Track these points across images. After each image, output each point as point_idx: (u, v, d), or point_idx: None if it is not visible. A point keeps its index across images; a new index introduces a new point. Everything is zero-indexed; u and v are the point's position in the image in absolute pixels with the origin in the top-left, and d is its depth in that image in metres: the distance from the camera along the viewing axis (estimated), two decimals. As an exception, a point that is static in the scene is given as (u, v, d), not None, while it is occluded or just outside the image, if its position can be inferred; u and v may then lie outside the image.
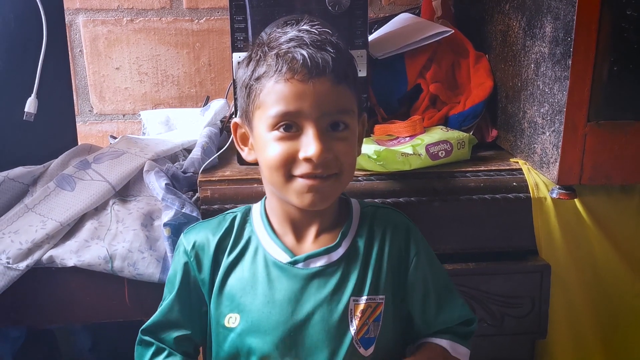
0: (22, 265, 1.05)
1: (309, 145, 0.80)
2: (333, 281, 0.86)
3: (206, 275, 0.90)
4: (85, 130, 1.71)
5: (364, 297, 0.86)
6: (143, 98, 1.72)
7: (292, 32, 0.84)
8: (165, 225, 1.07)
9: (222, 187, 1.13)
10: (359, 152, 0.91)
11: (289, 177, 0.83)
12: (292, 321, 0.85)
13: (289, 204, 0.86)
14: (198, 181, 1.14)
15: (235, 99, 1.00)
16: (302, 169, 0.82)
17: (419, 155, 1.15)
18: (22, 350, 1.32)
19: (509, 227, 1.16)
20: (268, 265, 0.88)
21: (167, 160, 1.27)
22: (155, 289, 1.10)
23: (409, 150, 1.14)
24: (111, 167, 1.19)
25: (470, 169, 1.18)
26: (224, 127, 1.45)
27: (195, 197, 1.13)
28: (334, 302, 0.85)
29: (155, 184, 1.11)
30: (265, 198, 0.93)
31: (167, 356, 0.88)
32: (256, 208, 0.94)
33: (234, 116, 1.30)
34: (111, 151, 1.25)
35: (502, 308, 1.16)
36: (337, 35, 0.87)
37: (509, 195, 1.15)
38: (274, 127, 0.82)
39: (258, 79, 0.83)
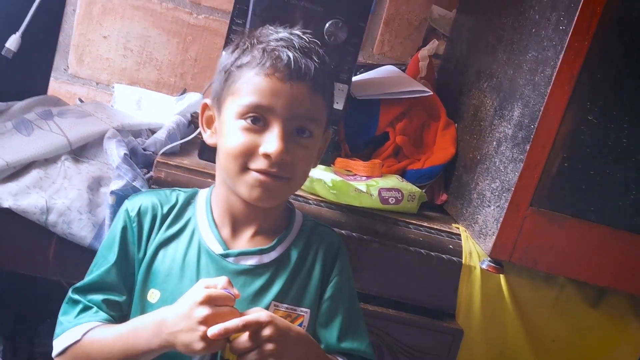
0: (-44, 192, 1.03)
1: (271, 142, 0.82)
2: (259, 282, 0.88)
3: (143, 242, 0.90)
4: (55, 87, 1.68)
5: (285, 305, 0.88)
6: (121, 73, 1.72)
7: (283, 33, 0.87)
8: (112, 193, 1.07)
9: (177, 173, 1.14)
10: (315, 165, 0.94)
11: (244, 168, 0.84)
12: None
13: (236, 195, 0.88)
14: (155, 161, 1.15)
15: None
16: (258, 163, 0.83)
17: (371, 195, 1.19)
18: None
19: (435, 285, 1.21)
20: (200, 252, 0.89)
21: (130, 134, 1.27)
22: (83, 253, 1.09)
23: (363, 188, 1.19)
24: (74, 124, 1.19)
25: (414, 222, 1.23)
26: (193, 121, 1.46)
27: (149, 175, 1.14)
28: (255, 303, 0.87)
29: (114, 151, 1.11)
30: (214, 186, 0.95)
31: (95, 313, 0.86)
32: (203, 193, 0.95)
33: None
34: (77, 110, 1.25)
35: (409, 360, 1.20)
36: (324, 49, 0.90)
37: (443, 256, 1.20)
38: (242, 115, 0.84)
39: (240, 67, 0.85)
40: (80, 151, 1.20)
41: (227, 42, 1.21)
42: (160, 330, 0.79)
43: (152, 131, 1.35)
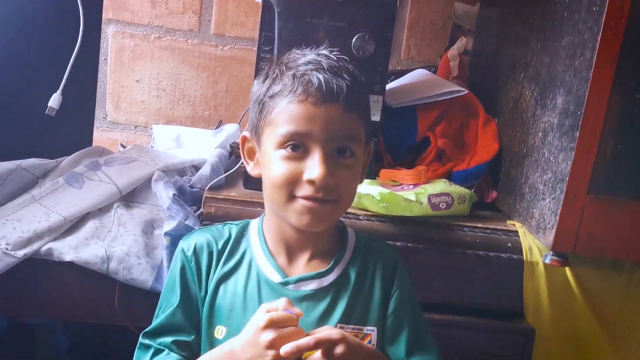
0: (20, 253, 1.06)
1: (313, 167, 0.82)
2: (322, 306, 0.88)
3: (203, 280, 0.90)
4: (96, 136, 1.73)
5: (351, 326, 0.87)
6: (157, 113, 1.76)
7: (310, 55, 0.87)
8: (166, 234, 1.09)
9: (227, 206, 1.15)
10: (362, 180, 0.92)
11: (290, 197, 0.84)
12: None
13: (287, 223, 0.88)
14: (204, 197, 1.17)
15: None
16: (304, 190, 0.83)
17: (421, 203, 1.18)
18: (0, 342, 1.31)
19: (498, 285, 1.18)
20: (260, 283, 0.89)
21: (175, 173, 1.29)
22: (146, 296, 1.11)
23: (412, 197, 1.17)
24: (121, 171, 1.22)
25: (468, 224, 1.21)
26: (234, 151, 1.48)
27: (199, 212, 1.15)
28: (321, 327, 0.86)
29: (163, 193, 1.13)
30: (264, 215, 0.95)
31: (167, 355, 0.87)
32: (254, 224, 0.95)
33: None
34: (122, 157, 1.27)
35: (482, 365, 1.17)
36: (354, 64, 0.89)
37: (503, 255, 1.18)
38: (282, 145, 0.84)
39: (272, 96, 0.85)
40: (130, 196, 1.22)
41: (257, 70, 1.22)
42: None
43: (196, 167, 1.37)
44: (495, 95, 1.43)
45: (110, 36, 1.69)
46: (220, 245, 0.92)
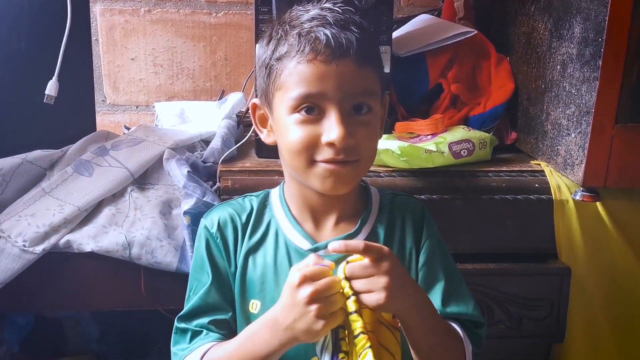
0: (39, 248, 1.04)
1: (331, 129, 0.78)
2: None
3: (231, 255, 0.88)
4: (98, 120, 1.67)
5: None
6: (157, 90, 1.71)
7: (314, 10, 0.81)
8: (185, 213, 1.06)
9: (243, 178, 1.12)
10: (380, 135, 0.88)
11: (310, 162, 0.80)
12: None
13: (309, 188, 0.85)
14: (218, 171, 1.13)
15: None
16: (324, 154, 0.79)
17: (442, 153, 1.14)
18: (29, 339, 1.30)
19: (529, 228, 1.15)
20: (289, 252, 0.86)
21: (186, 149, 1.25)
22: (172, 278, 1.09)
23: (433, 148, 1.13)
24: (130, 154, 1.18)
25: (492, 169, 1.18)
26: (241, 121, 1.44)
27: (216, 186, 1.12)
28: None
29: (177, 172, 1.09)
30: (284, 183, 0.92)
31: (206, 335, 0.85)
32: (274, 193, 0.92)
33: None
34: (129, 139, 1.23)
35: (520, 310, 1.15)
36: (359, 14, 0.83)
37: (531, 197, 1.14)
38: (295, 109, 0.79)
39: (279, 58, 0.80)
40: (143, 179, 1.19)
41: (258, 33, 1.17)
42: (275, 329, 0.76)
43: (205, 141, 1.33)
44: (506, 33, 1.37)
45: (98, 15, 1.63)
46: (243, 218, 0.89)
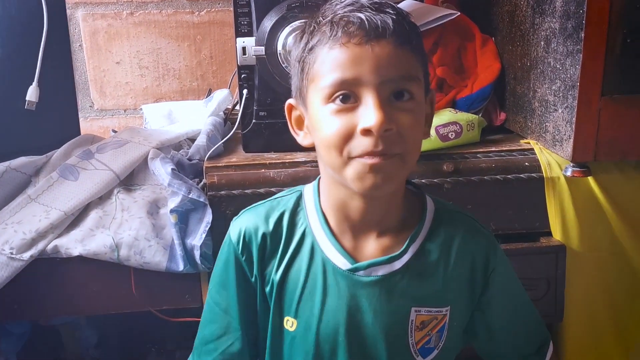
0: (26, 255, 1.02)
1: (368, 115, 0.70)
2: (395, 290, 0.80)
3: (255, 269, 0.82)
4: (86, 126, 1.68)
5: (427, 308, 0.80)
6: (144, 92, 1.70)
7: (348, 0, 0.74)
8: (172, 211, 1.05)
9: (229, 173, 1.11)
10: (428, 135, 0.80)
11: (347, 158, 0.72)
12: (350, 328, 0.80)
13: (349, 191, 0.77)
14: (204, 167, 1.12)
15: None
16: (361, 146, 0.71)
17: (429, 136, 1.13)
18: (26, 348, 1.29)
19: (521, 207, 1.14)
20: (326, 271, 0.80)
21: (171, 149, 1.24)
22: (162, 278, 1.07)
23: (419, 132, 1.12)
24: (115, 156, 1.17)
25: (481, 150, 1.16)
26: (228, 117, 1.43)
27: (202, 183, 1.10)
28: (396, 311, 0.79)
29: (161, 170, 1.08)
30: (318, 181, 0.84)
31: None
32: (308, 193, 0.84)
33: (237, 107, 1.28)
34: (114, 141, 1.22)
35: (517, 291, 1.14)
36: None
37: (522, 176, 1.13)
38: (330, 98, 0.72)
39: (311, 49, 0.74)
40: (129, 180, 1.18)
41: (237, 29, 1.15)
42: None
43: (192, 140, 1.32)
44: (489, 13, 1.35)
45: (80, 20, 1.62)
46: (272, 226, 0.82)
